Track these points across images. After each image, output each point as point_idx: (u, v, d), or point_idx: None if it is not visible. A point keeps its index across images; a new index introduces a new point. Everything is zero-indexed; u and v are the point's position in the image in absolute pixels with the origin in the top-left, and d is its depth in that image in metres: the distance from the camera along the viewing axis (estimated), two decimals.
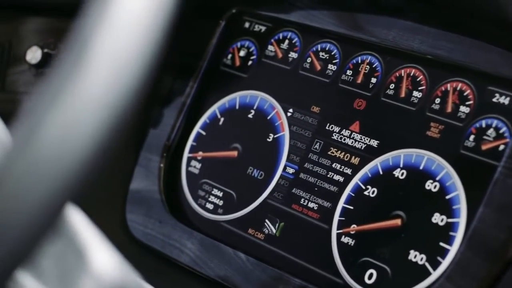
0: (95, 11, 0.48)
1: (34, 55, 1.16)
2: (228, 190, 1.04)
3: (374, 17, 0.98)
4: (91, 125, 0.46)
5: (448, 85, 0.92)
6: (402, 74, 0.95)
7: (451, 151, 0.89)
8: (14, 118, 0.48)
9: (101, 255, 0.58)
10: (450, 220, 0.87)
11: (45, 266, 0.57)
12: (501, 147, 0.86)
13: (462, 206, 0.87)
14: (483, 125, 0.88)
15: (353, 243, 0.92)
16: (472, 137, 0.88)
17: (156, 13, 0.48)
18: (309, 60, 1.03)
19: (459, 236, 0.86)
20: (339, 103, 0.99)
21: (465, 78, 0.91)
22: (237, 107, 1.07)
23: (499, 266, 0.82)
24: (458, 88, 0.91)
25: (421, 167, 0.91)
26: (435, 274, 0.86)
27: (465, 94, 0.90)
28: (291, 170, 1.00)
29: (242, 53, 1.09)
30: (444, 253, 0.86)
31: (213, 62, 1.11)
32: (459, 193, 0.87)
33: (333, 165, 0.97)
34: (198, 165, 1.08)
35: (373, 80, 0.97)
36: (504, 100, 0.87)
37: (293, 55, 1.05)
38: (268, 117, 1.04)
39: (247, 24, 1.10)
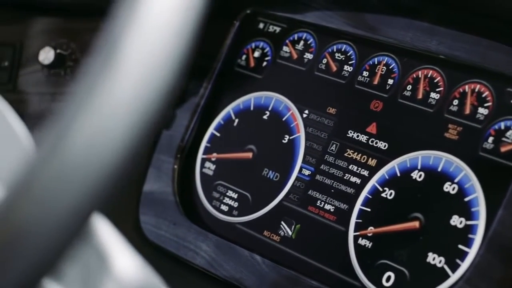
0: (124, 13, 0.47)
1: (47, 55, 1.15)
2: (243, 191, 1.03)
3: (391, 18, 0.98)
4: (121, 130, 0.46)
5: (466, 87, 0.91)
6: (420, 76, 0.95)
7: (469, 153, 0.89)
8: (28, 119, 0.47)
9: (123, 259, 0.58)
10: (469, 222, 0.86)
11: (68, 271, 0.56)
12: None
13: (481, 209, 0.86)
14: (502, 127, 0.88)
15: (370, 245, 0.92)
16: (491, 139, 0.88)
17: (186, 14, 0.48)
18: (324, 61, 1.03)
19: (478, 238, 0.85)
20: (356, 104, 0.98)
21: (484, 80, 0.90)
22: (251, 108, 1.06)
23: None
24: (476, 90, 0.90)
25: (439, 169, 0.90)
26: (454, 277, 0.86)
27: (483, 95, 0.90)
28: (307, 172, 0.99)
29: (256, 54, 1.09)
30: (463, 255, 0.86)
31: (227, 63, 1.10)
32: (478, 195, 0.87)
33: (350, 167, 0.96)
34: (212, 167, 1.07)
35: (390, 81, 0.97)
36: None
37: (308, 56, 1.04)
38: (283, 118, 1.03)
39: (261, 25, 1.09)
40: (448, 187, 0.89)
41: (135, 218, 1.09)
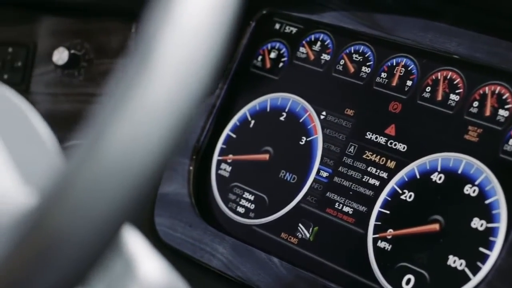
0: (158, 16, 0.47)
1: (60, 56, 1.15)
2: (260, 193, 1.03)
3: (409, 19, 0.97)
4: (157, 134, 0.45)
5: (486, 88, 0.91)
6: (439, 77, 0.94)
7: (490, 155, 0.88)
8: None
9: (148, 263, 0.57)
10: (490, 225, 0.86)
11: (94, 276, 0.56)
12: None
13: (502, 211, 0.86)
14: None
15: (389, 248, 0.91)
16: (511, 141, 0.87)
17: (220, 15, 0.47)
18: (342, 62, 1.02)
19: (499, 241, 0.85)
20: (374, 106, 0.98)
21: (504, 81, 0.90)
22: (268, 109, 1.06)
23: None
24: (496, 92, 0.90)
25: (459, 171, 0.90)
26: (475, 280, 0.85)
27: (504, 97, 0.89)
28: (325, 174, 0.99)
29: (272, 55, 1.08)
30: (484, 258, 0.85)
31: (243, 64, 1.10)
32: (499, 197, 0.86)
33: (368, 169, 0.96)
34: (228, 168, 1.07)
35: (409, 82, 0.96)
36: None
37: (325, 57, 1.04)
38: (301, 120, 1.03)
39: (277, 26, 1.09)
40: (469, 190, 0.88)
41: (150, 220, 1.08)
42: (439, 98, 0.93)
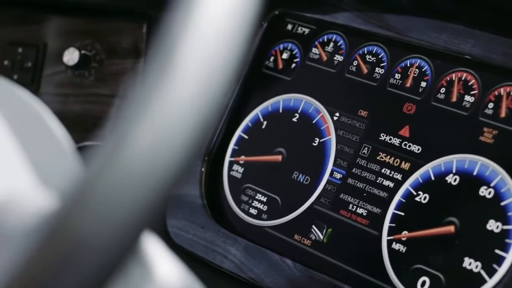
0: (180, 17, 0.46)
1: (71, 56, 1.14)
2: (273, 195, 1.02)
3: (423, 20, 0.97)
4: (181, 137, 0.45)
5: (502, 90, 0.90)
6: (453, 78, 0.94)
7: (505, 156, 0.88)
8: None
9: (165, 266, 0.57)
10: (505, 227, 0.86)
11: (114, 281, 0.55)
12: None
13: None
14: None
15: (404, 250, 0.91)
16: None
17: (242, 15, 0.47)
18: (355, 63, 1.01)
19: None
20: (388, 107, 0.97)
21: None
22: (280, 110, 1.05)
23: None
24: None
25: (474, 173, 0.89)
26: (491, 282, 0.85)
27: None
28: (338, 175, 0.98)
29: (285, 56, 1.08)
30: (500, 260, 0.85)
31: (255, 65, 1.09)
32: None
33: (383, 171, 0.95)
34: (241, 169, 1.06)
35: (423, 84, 0.96)
36: None
37: (338, 58, 1.03)
38: (313, 121, 1.02)
39: (289, 26, 1.08)
40: (484, 191, 0.88)
41: (162, 221, 1.08)
42: (454, 99, 0.93)
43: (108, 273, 0.45)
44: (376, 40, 1.01)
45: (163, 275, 0.56)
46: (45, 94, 1.19)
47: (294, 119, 1.04)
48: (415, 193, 0.92)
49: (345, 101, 1.01)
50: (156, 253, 0.57)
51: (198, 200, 1.06)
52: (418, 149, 0.94)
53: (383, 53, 1.00)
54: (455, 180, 0.90)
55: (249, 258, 1.00)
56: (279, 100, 1.06)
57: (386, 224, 0.93)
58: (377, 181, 0.95)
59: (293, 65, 1.07)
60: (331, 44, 1.04)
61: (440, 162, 0.92)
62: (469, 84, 0.92)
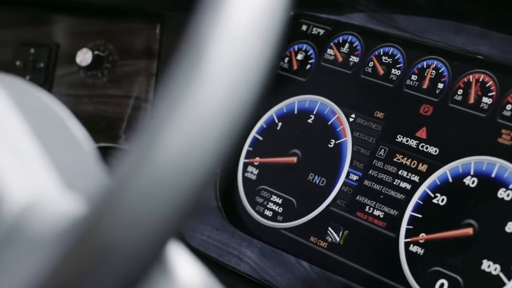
0: (210, 16, 0.46)
1: (84, 57, 1.14)
2: (288, 196, 1.02)
3: (440, 21, 0.96)
4: (211, 143, 0.44)
5: None
6: (471, 80, 0.93)
7: None
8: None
9: (186, 269, 0.56)
10: None
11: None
12: None
13: None
14: None
15: (422, 252, 0.90)
16: None
17: (272, 16, 0.46)
18: (371, 64, 1.01)
19: None
20: (405, 108, 0.97)
21: None
22: (295, 111, 1.05)
23: None
24: None
25: (493, 175, 0.88)
26: (510, 285, 0.84)
27: None
28: (354, 177, 0.98)
29: (299, 57, 1.07)
30: None
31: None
32: None
33: (400, 172, 0.95)
34: (255, 171, 1.06)
35: (440, 85, 0.95)
36: None
37: (354, 59, 1.03)
38: (329, 122, 1.02)
39: (304, 27, 1.08)
40: (503, 193, 0.87)
41: None
42: (471, 101, 0.92)
43: (136, 278, 0.44)
44: (392, 41, 1.00)
45: (185, 277, 0.56)
46: (58, 95, 1.18)
47: (309, 121, 1.03)
48: (432, 195, 0.92)
49: (361, 102, 1.00)
50: (177, 255, 0.56)
51: (212, 202, 1.05)
52: (436, 151, 0.93)
53: (399, 54, 0.99)
54: (473, 182, 0.90)
55: (265, 260, 0.99)
56: (294, 101, 1.05)
57: (404, 226, 0.92)
58: (394, 183, 0.95)
59: (308, 66, 1.06)
60: (347, 45, 1.04)
61: (457, 164, 0.91)
62: (487, 85, 0.92)
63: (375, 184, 0.96)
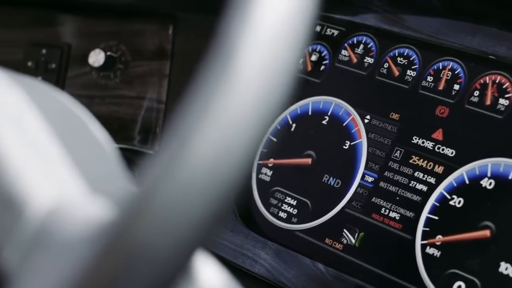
0: (239, 17, 0.45)
1: (97, 58, 1.13)
2: (303, 198, 1.01)
3: (456, 22, 0.96)
4: (241, 146, 0.44)
5: None
6: (487, 81, 0.93)
7: None
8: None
9: (208, 272, 0.56)
10: None
11: None
12: None
13: None
14: None
15: (439, 254, 0.90)
16: None
17: (301, 17, 0.46)
18: (386, 65, 1.01)
19: None
20: (420, 110, 0.96)
21: None
22: (309, 113, 1.04)
23: None
24: None
25: (510, 177, 0.88)
26: None
27: None
28: (370, 179, 0.97)
29: (313, 58, 1.07)
30: None
31: None
32: None
33: (415, 174, 0.94)
34: (269, 173, 1.05)
35: (456, 86, 0.95)
36: None
37: (368, 60, 1.02)
38: (344, 124, 1.01)
39: (318, 28, 1.07)
40: None
41: None
42: (488, 102, 0.92)
43: (164, 285, 0.44)
44: (407, 42, 1.00)
45: (207, 280, 0.55)
46: (70, 96, 1.18)
47: (324, 122, 1.03)
48: (449, 197, 0.91)
49: (376, 103, 1.00)
50: (199, 258, 0.56)
51: None
52: (452, 153, 0.93)
53: (414, 56, 0.99)
54: (490, 184, 0.89)
55: (280, 262, 0.99)
56: (308, 103, 1.05)
57: (420, 228, 0.92)
58: (410, 184, 0.94)
59: (322, 67, 1.06)
60: (361, 46, 1.03)
61: (474, 166, 0.91)
62: (504, 87, 0.92)
63: (391, 186, 0.96)
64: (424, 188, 0.93)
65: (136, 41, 1.15)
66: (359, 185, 0.98)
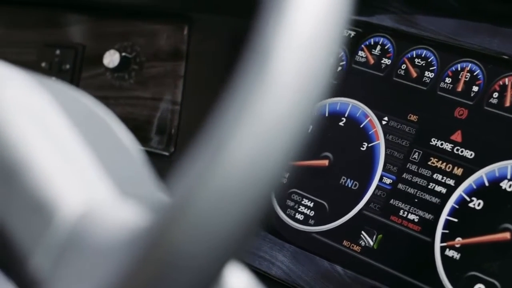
0: (275, 19, 0.45)
1: (112, 58, 1.13)
2: (320, 200, 1.01)
3: (475, 24, 0.95)
4: (280, 149, 0.43)
5: None
6: (506, 83, 0.92)
7: None
8: None
9: (237, 277, 0.56)
10: None
11: None
12: None
13: None
14: None
15: (458, 256, 0.89)
16: None
17: (336, 19, 0.46)
18: (403, 66, 1.00)
19: None
20: (439, 111, 0.96)
21: None
22: (326, 114, 1.04)
23: None
24: None
25: None
26: None
27: None
28: (388, 181, 0.97)
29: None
30: None
31: None
32: None
33: (434, 176, 0.94)
34: (286, 174, 1.04)
35: (475, 88, 0.94)
36: None
37: (386, 61, 1.02)
38: (361, 125, 1.01)
39: None
40: None
41: None
42: (507, 104, 0.92)
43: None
44: (425, 43, 0.99)
45: (234, 285, 0.55)
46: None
47: (341, 123, 1.03)
48: (468, 199, 0.91)
49: (394, 105, 1.00)
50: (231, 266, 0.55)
51: None
52: (471, 154, 0.92)
53: (432, 57, 0.98)
54: (510, 186, 0.89)
55: (297, 265, 0.98)
56: (325, 104, 1.05)
57: (439, 230, 0.91)
58: (429, 186, 0.94)
59: (339, 68, 1.05)
60: (378, 47, 1.03)
61: (494, 168, 0.90)
62: None
63: (409, 188, 0.95)
64: (443, 190, 0.93)
65: (151, 42, 1.15)
66: (377, 187, 0.97)
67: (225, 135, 0.42)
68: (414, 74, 0.99)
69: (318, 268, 0.97)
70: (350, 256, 0.97)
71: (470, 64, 0.95)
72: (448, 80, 0.96)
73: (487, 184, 0.90)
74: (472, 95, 0.94)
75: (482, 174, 0.91)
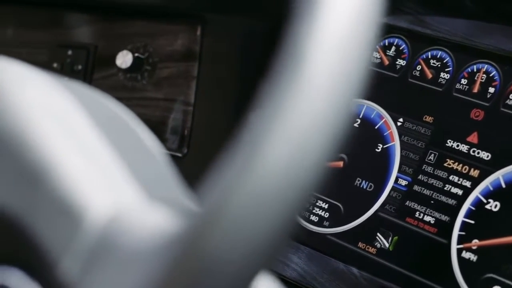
0: (306, 27, 0.44)
1: (124, 59, 1.12)
2: (334, 201, 1.01)
3: (491, 25, 0.95)
4: (316, 152, 0.43)
5: None
6: None
7: None
8: None
9: (263, 284, 0.55)
10: None
11: None
12: None
13: None
14: None
15: (475, 258, 0.89)
16: None
17: (369, 22, 0.45)
18: (418, 67, 1.00)
19: None
20: (455, 113, 0.96)
21: None
22: None
23: None
24: None
25: None
26: None
27: None
28: (403, 182, 0.97)
29: None
30: None
31: None
32: None
33: (450, 178, 0.94)
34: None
35: (491, 89, 0.94)
36: None
37: (401, 62, 1.01)
38: (376, 127, 1.01)
39: None
40: None
41: None
42: None
43: None
44: (440, 44, 0.99)
45: None
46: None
47: (356, 124, 1.02)
48: (485, 201, 0.91)
49: (409, 106, 0.99)
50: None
51: None
52: (488, 156, 0.92)
53: (448, 58, 0.98)
54: None
55: (312, 266, 0.98)
56: None
57: (456, 232, 0.91)
58: (445, 188, 0.94)
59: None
60: (393, 48, 1.03)
61: (510, 169, 0.90)
62: None
63: (425, 190, 0.95)
64: (460, 192, 0.93)
65: (164, 43, 1.15)
66: (393, 189, 0.97)
67: (260, 139, 0.42)
68: (430, 75, 0.99)
69: (333, 270, 0.97)
70: (366, 258, 0.96)
71: (486, 65, 0.95)
72: (463, 81, 0.96)
73: (504, 185, 0.90)
74: (488, 96, 0.94)
75: (498, 176, 0.91)
